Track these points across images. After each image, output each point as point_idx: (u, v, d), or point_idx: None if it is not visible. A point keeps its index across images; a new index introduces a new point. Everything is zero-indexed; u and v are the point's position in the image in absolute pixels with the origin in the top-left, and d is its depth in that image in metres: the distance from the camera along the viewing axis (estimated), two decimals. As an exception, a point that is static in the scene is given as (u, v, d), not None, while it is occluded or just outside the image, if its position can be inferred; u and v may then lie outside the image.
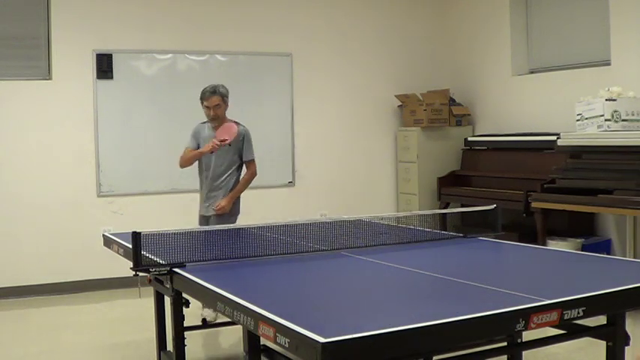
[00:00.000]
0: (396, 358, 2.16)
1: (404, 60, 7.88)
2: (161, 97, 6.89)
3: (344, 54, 7.64)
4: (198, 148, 5.27)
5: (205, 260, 3.45)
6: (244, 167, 5.39)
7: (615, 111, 5.55)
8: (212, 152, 5.17)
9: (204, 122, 5.36)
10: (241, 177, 5.37)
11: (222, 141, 5.08)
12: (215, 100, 5.18)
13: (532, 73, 7.19)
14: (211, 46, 7.06)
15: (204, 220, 5.35)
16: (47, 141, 6.51)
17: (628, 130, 5.52)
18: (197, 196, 6.64)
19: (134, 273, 3.46)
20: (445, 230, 4.43)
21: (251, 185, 7.13)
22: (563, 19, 6.87)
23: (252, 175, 5.37)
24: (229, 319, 2.72)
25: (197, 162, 5.38)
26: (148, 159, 6.83)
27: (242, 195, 5.47)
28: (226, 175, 5.29)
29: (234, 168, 5.31)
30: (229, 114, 5.37)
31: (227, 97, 5.28)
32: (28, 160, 6.47)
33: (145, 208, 6.76)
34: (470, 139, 7.41)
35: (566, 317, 2.47)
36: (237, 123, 5.27)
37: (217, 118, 5.22)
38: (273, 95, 7.34)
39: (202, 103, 5.25)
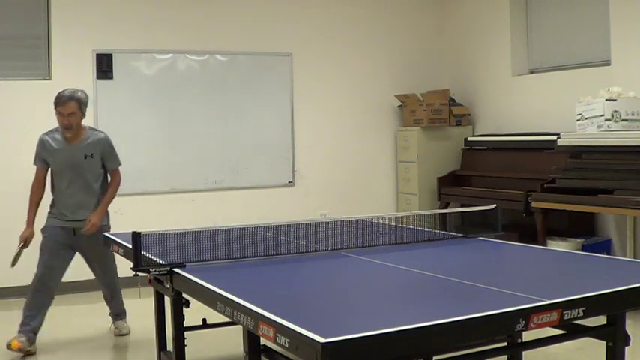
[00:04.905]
0: (396, 358, 2.16)
1: (404, 60, 7.88)
2: (161, 97, 6.89)
3: (344, 54, 7.64)
4: (48, 165, 4.87)
5: (205, 260, 3.45)
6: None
7: (615, 111, 5.55)
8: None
9: (50, 132, 4.89)
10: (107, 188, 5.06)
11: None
12: (71, 106, 4.71)
13: (532, 73, 7.19)
14: (211, 46, 7.06)
15: (64, 231, 4.88)
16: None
17: (628, 130, 5.52)
18: (196, 196, 6.66)
19: (134, 273, 3.46)
20: (445, 230, 4.43)
21: (251, 185, 7.21)
22: (563, 19, 6.87)
23: (119, 184, 5.02)
24: (229, 319, 2.72)
25: (51, 177, 4.94)
26: (148, 159, 6.83)
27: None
28: (96, 192, 4.94)
29: (101, 180, 4.98)
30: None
31: (85, 106, 4.80)
32: (29, 160, 6.45)
33: (145, 208, 6.76)
34: (470, 139, 7.41)
35: (566, 317, 2.47)
36: (94, 129, 4.99)
37: (71, 127, 4.75)
38: (273, 95, 7.34)
39: (56, 108, 4.75)
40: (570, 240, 5.94)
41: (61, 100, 4.72)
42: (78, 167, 4.83)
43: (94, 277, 6.72)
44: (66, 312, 5.97)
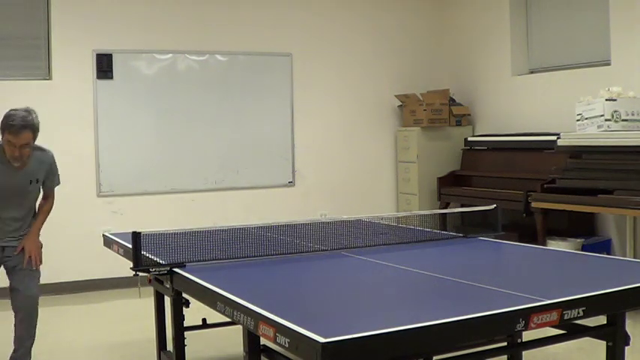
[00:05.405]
0: (396, 358, 2.16)
1: (404, 60, 7.88)
2: (161, 97, 6.89)
3: (344, 54, 7.64)
4: None
5: (205, 260, 3.45)
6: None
7: (615, 111, 5.55)
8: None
9: None
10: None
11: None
12: (26, 137, 3.91)
13: (532, 73, 7.19)
14: (211, 46, 7.06)
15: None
16: (47, 141, 6.45)
17: (628, 130, 5.52)
18: (196, 196, 6.63)
19: (134, 273, 3.46)
20: (445, 230, 4.43)
21: (251, 185, 7.22)
22: (563, 19, 6.87)
23: (52, 207, 4.35)
24: (229, 319, 2.72)
25: None
26: (148, 159, 6.83)
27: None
28: (33, 210, 4.29)
29: (37, 201, 4.32)
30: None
31: (38, 131, 4.02)
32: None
33: (145, 208, 6.76)
34: (470, 139, 7.41)
35: (566, 317, 2.47)
36: (38, 147, 4.18)
37: (22, 159, 4.00)
38: (273, 95, 7.34)
39: (4, 135, 3.92)
40: (570, 240, 5.94)
41: (13, 129, 3.87)
42: (23, 193, 4.15)
43: (89, 277, 6.68)
44: (66, 312, 5.97)
